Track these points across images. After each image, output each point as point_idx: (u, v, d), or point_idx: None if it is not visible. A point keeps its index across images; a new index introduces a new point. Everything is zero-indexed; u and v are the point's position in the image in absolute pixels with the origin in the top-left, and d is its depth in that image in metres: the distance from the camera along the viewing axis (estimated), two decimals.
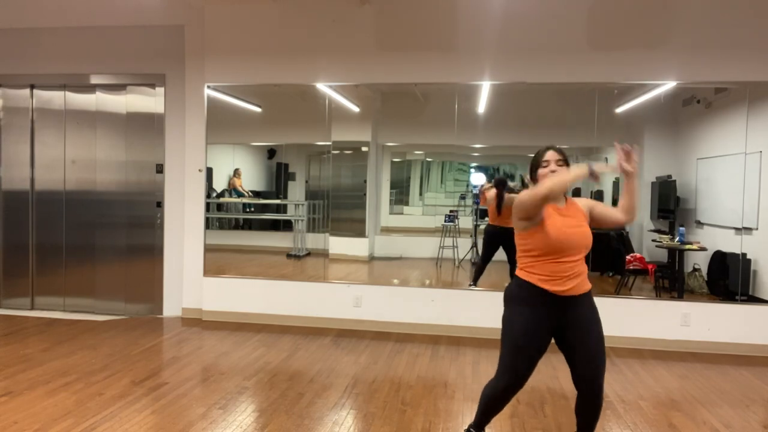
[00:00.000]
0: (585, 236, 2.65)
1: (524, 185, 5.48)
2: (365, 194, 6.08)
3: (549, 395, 3.71)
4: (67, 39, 5.66)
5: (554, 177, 2.55)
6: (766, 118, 4.80)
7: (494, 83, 5.12)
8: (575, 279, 2.57)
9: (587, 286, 2.63)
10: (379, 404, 3.49)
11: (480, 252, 5.78)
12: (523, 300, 2.60)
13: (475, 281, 5.49)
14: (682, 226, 5.27)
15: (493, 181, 5.19)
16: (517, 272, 2.66)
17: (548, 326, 2.58)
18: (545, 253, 2.57)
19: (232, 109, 5.66)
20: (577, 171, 2.55)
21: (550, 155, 2.68)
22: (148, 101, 5.63)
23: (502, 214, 5.27)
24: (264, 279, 5.46)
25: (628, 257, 5.42)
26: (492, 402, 2.71)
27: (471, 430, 2.84)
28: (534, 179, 2.73)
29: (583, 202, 2.78)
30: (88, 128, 5.74)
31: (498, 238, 5.58)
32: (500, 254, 6.47)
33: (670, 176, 5.48)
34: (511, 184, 5.47)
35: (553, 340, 2.63)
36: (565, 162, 2.69)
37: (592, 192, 6.17)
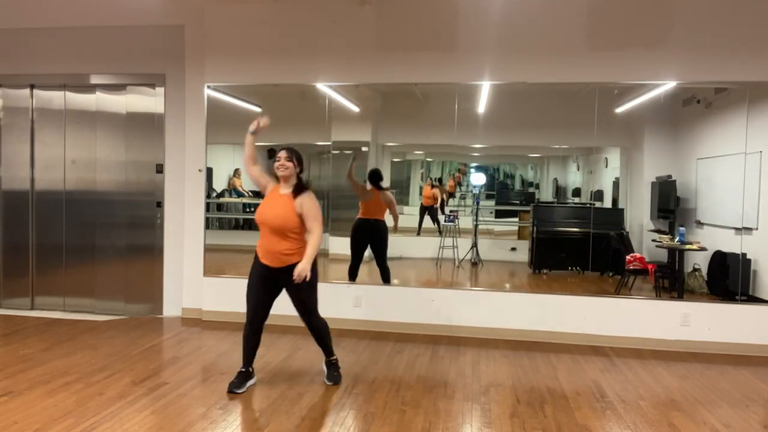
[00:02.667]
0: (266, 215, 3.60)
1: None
2: None
3: (549, 395, 3.71)
4: (67, 39, 5.65)
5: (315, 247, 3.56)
6: (766, 118, 4.80)
7: (494, 83, 5.12)
8: None
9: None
10: (379, 404, 3.49)
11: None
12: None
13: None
14: (682, 226, 5.27)
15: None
16: (301, 249, 3.57)
17: None
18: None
19: (232, 109, 5.65)
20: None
21: (281, 154, 3.60)
22: (148, 101, 5.63)
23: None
24: None
25: (628, 257, 5.42)
26: (328, 331, 3.83)
27: (332, 359, 3.88)
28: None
29: (300, 202, 3.58)
30: (88, 128, 5.74)
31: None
32: (504, 254, 6.49)
33: (670, 176, 5.48)
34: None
35: None
36: (292, 160, 3.59)
37: (592, 192, 6.18)
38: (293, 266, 3.52)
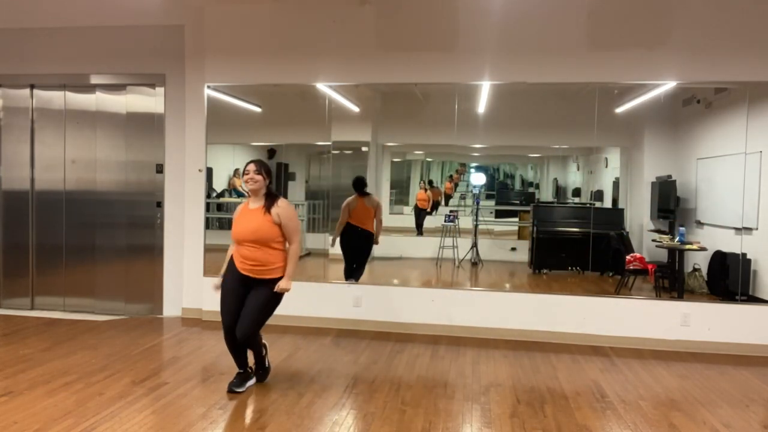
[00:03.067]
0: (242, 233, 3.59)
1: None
2: None
3: (549, 395, 3.71)
4: (67, 39, 5.65)
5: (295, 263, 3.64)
6: (766, 118, 4.80)
7: (494, 83, 5.12)
8: None
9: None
10: (379, 404, 3.49)
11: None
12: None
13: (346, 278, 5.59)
14: (682, 226, 5.27)
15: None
16: (280, 267, 3.60)
17: None
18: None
19: (232, 109, 5.66)
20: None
21: (250, 167, 3.56)
22: (148, 101, 5.63)
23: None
24: None
25: (628, 257, 5.42)
26: (259, 354, 3.74)
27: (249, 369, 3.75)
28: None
29: (276, 211, 3.57)
30: (88, 128, 5.74)
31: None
32: (504, 254, 6.50)
33: (670, 176, 5.48)
34: None
35: None
36: (261, 173, 3.56)
37: (592, 192, 6.18)
38: (268, 281, 3.57)
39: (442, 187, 6.87)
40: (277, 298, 3.64)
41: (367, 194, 5.66)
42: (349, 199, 5.61)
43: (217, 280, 3.71)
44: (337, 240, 5.62)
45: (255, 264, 3.55)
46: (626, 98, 5.37)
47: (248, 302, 3.57)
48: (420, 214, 6.77)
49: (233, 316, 3.58)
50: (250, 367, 3.77)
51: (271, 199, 3.58)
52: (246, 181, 3.58)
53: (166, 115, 5.59)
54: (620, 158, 5.94)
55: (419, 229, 6.68)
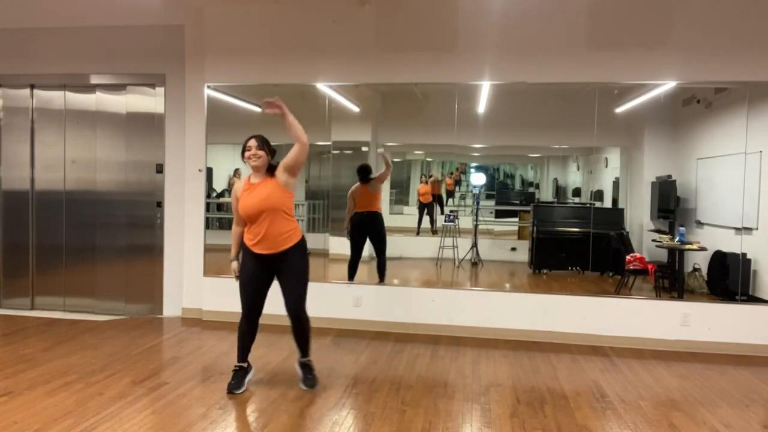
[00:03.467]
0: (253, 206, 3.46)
1: None
2: None
3: (549, 395, 3.71)
4: (67, 39, 5.65)
5: (296, 124, 3.37)
6: (766, 118, 4.80)
7: (494, 83, 5.12)
8: None
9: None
10: (379, 404, 3.49)
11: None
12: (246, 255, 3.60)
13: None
14: (682, 226, 5.27)
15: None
16: (296, 230, 3.53)
17: None
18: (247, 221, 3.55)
19: (232, 109, 5.66)
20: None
21: (252, 143, 3.46)
22: (148, 101, 5.63)
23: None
24: None
25: (628, 257, 5.42)
26: (309, 327, 3.67)
27: (308, 360, 3.75)
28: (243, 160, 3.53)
29: (278, 171, 3.49)
30: (88, 128, 5.74)
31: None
32: (504, 254, 6.50)
33: (670, 176, 5.48)
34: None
35: None
36: (264, 148, 3.48)
37: (592, 192, 6.18)
38: (288, 251, 3.49)
39: (443, 185, 6.88)
40: (306, 261, 3.60)
41: (370, 180, 5.66)
42: (353, 187, 5.60)
43: (234, 264, 3.66)
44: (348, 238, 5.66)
45: (271, 237, 3.45)
46: (626, 98, 5.37)
47: (284, 282, 3.55)
48: (424, 208, 6.75)
49: (254, 303, 3.57)
50: (248, 362, 3.74)
51: (272, 170, 3.51)
52: (248, 158, 3.46)
53: (166, 115, 5.59)
54: (620, 158, 5.94)
55: (433, 225, 6.65)
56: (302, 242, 3.58)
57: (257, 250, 3.49)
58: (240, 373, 3.67)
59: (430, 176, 6.86)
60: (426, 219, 6.78)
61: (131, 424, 3.12)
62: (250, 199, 3.46)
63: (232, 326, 5.19)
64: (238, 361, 3.69)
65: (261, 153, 3.46)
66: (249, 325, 3.65)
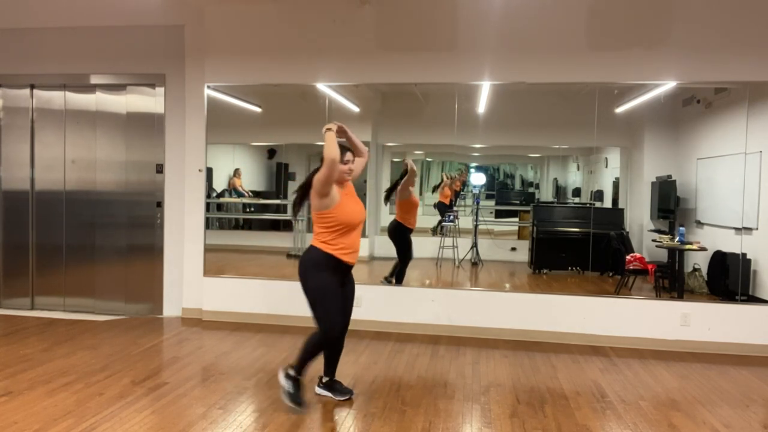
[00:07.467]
0: (362, 213, 3.36)
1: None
2: (365, 194, 6.08)
3: (549, 395, 3.71)
4: (67, 39, 5.65)
5: (326, 147, 3.10)
6: (766, 118, 4.80)
7: (494, 83, 5.12)
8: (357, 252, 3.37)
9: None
10: (379, 404, 3.49)
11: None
12: (329, 268, 3.26)
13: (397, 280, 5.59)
14: (682, 226, 5.27)
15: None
16: (319, 245, 3.25)
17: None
18: (346, 230, 3.26)
19: (232, 109, 5.66)
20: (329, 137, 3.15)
21: (350, 156, 3.30)
22: (148, 101, 5.63)
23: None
24: (264, 279, 5.45)
25: (628, 257, 5.42)
26: (319, 349, 3.35)
27: (290, 372, 3.35)
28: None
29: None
30: (88, 128, 5.74)
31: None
32: (504, 254, 6.49)
33: (670, 176, 5.48)
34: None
35: None
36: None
37: (592, 192, 6.17)
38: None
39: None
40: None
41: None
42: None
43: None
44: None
45: (358, 248, 3.35)
46: (626, 98, 5.37)
47: (349, 295, 3.45)
48: (445, 208, 6.64)
49: (342, 312, 3.38)
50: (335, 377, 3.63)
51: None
52: (347, 171, 3.27)
53: (166, 115, 5.59)
54: (620, 158, 5.94)
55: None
56: None
57: (350, 260, 3.32)
58: (334, 385, 3.58)
59: (452, 176, 6.71)
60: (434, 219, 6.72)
61: (131, 424, 3.12)
62: (357, 206, 3.34)
63: (232, 326, 5.21)
64: (328, 376, 3.57)
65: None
66: (340, 335, 3.43)
